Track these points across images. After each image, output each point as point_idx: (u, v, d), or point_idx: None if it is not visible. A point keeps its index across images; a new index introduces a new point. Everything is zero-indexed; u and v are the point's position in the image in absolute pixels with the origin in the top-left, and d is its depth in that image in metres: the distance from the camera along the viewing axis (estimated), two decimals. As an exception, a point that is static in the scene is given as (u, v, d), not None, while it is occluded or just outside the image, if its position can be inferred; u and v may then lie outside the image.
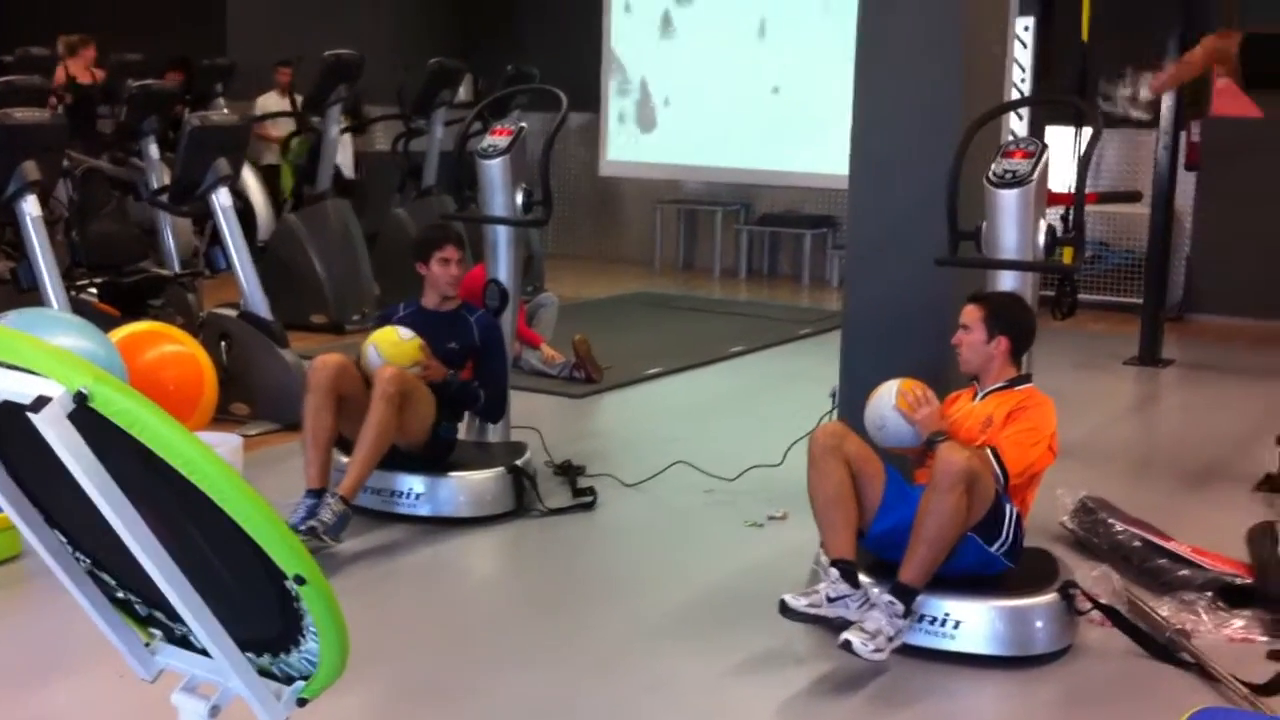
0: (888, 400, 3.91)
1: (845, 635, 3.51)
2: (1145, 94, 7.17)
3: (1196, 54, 5.98)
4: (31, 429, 2.34)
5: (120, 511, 2.32)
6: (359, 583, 4.22)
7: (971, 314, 3.96)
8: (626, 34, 12.04)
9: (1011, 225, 4.25)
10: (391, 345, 4.70)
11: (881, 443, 3.94)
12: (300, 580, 2.37)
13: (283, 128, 10.31)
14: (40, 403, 2.19)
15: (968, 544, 3.67)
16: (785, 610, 3.64)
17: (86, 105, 8.96)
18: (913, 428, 3.85)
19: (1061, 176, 5.93)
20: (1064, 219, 5.41)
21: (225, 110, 9.72)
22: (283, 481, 4.70)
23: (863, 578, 3.68)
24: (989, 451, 3.73)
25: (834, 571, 3.66)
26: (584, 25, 11.93)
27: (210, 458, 2.27)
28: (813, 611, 3.63)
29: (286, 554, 2.35)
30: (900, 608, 3.57)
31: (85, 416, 2.23)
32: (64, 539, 2.74)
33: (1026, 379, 4.00)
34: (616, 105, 12.11)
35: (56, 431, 2.21)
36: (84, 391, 2.22)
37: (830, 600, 3.62)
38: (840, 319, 5.23)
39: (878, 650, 3.51)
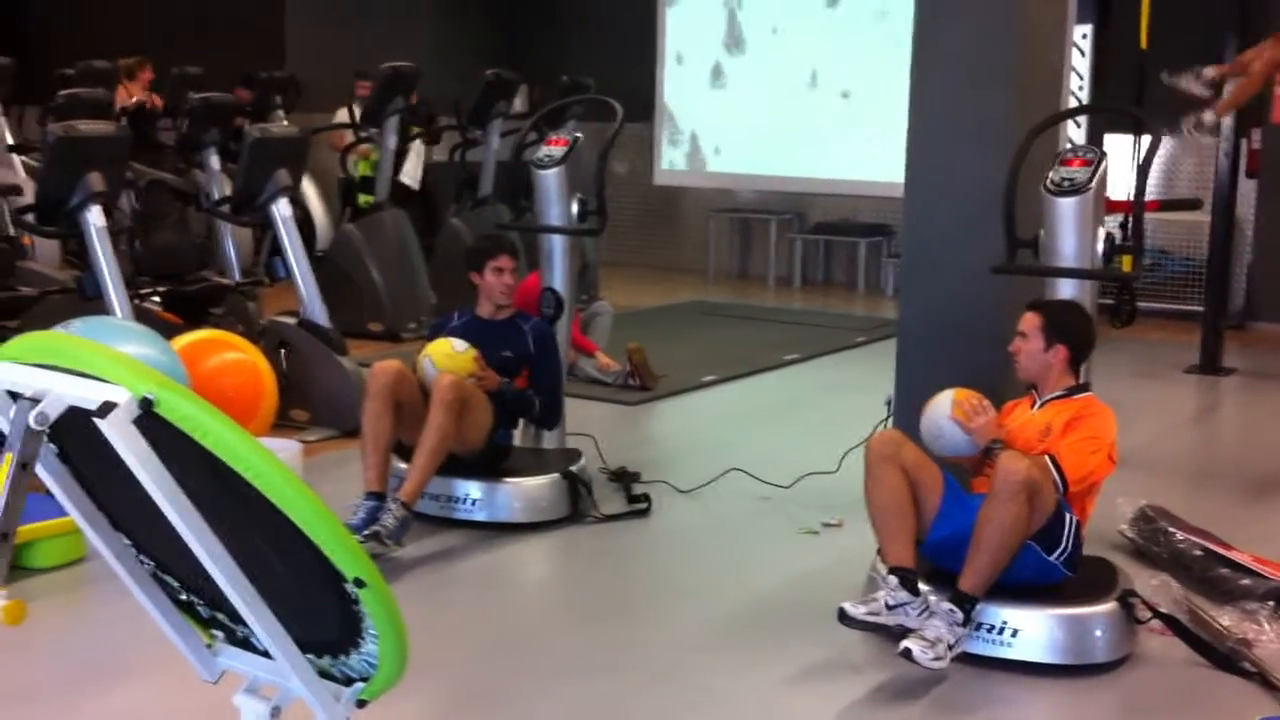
0: (943, 410, 3.89)
1: (905, 643, 3.50)
2: (1210, 72, 7.13)
3: (1255, 66, 5.93)
4: (97, 434, 2.38)
5: (184, 515, 2.36)
6: (416, 587, 4.25)
7: (1030, 322, 3.94)
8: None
9: (1070, 233, 4.22)
10: (446, 357, 4.73)
11: (938, 452, 3.93)
12: (360, 583, 2.40)
13: (347, 137, 10.35)
14: (107, 408, 2.24)
15: (1027, 552, 3.65)
16: (844, 618, 3.63)
17: (147, 120, 9.10)
18: (969, 437, 3.83)
19: (1121, 184, 5.90)
20: (1123, 226, 5.38)
21: (285, 122, 9.85)
22: (341, 487, 4.75)
23: (921, 585, 3.67)
24: (1047, 459, 3.71)
25: (893, 579, 3.65)
26: (636, 34, 11.98)
27: (273, 463, 2.30)
28: (872, 620, 3.62)
29: (346, 557, 2.38)
30: (960, 616, 3.55)
31: (150, 422, 2.27)
32: (129, 542, 2.79)
33: (1085, 388, 3.97)
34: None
35: (122, 436, 2.25)
36: (149, 397, 2.26)
37: (889, 608, 3.61)
38: (895, 327, 5.22)
39: (938, 659, 3.49)
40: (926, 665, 3.49)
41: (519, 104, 10.41)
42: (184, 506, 2.36)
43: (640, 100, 11.35)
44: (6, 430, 2.57)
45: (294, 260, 6.17)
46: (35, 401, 2.34)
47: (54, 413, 2.33)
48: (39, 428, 2.34)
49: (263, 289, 7.66)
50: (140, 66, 9.81)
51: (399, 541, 4.38)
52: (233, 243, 7.99)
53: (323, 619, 2.57)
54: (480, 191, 9.44)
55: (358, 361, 6.24)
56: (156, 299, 6.26)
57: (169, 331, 5.58)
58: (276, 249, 6.44)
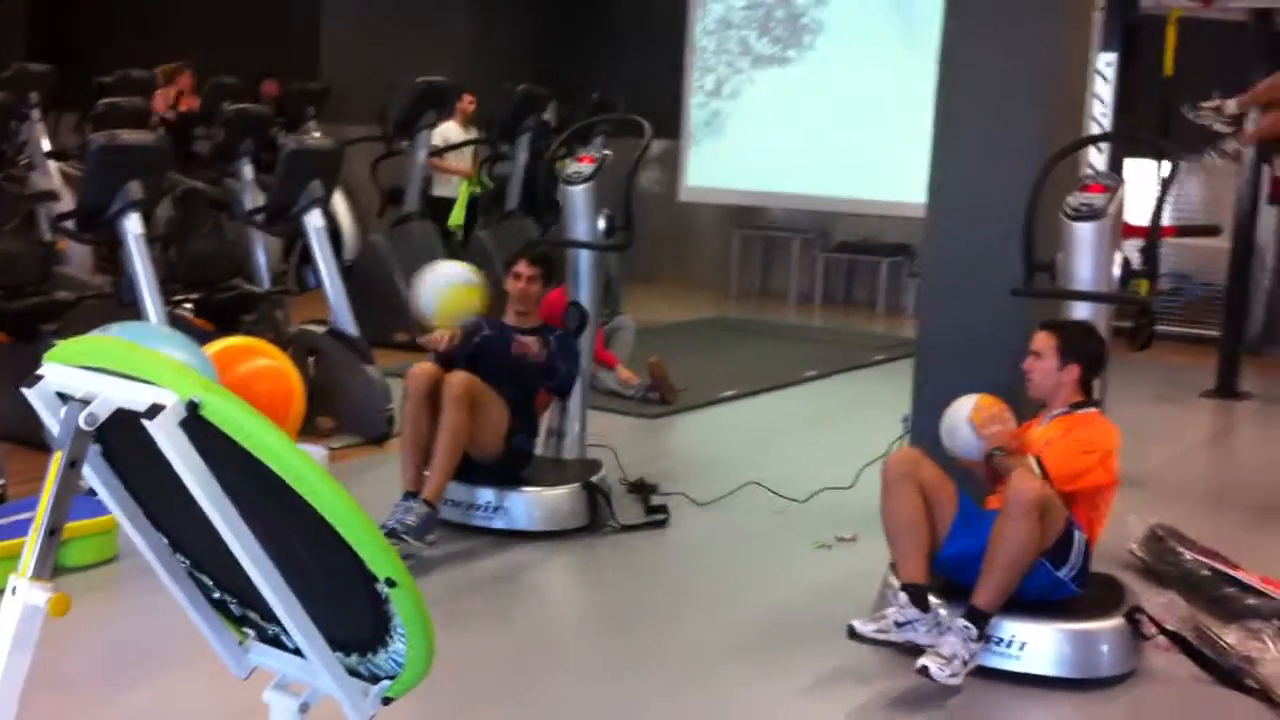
0: (964, 412, 3.97)
1: (922, 661, 3.58)
2: (1231, 106, 7.20)
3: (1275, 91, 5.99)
4: (138, 436, 2.48)
5: (225, 515, 2.46)
6: (437, 592, 4.31)
7: (1045, 341, 4.02)
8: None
9: (1087, 258, 4.31)
10: (451, 298, 4.93)
11: (949, 449, 4.00)
12: (391, 583, 2.50)
13: (465, 159, 10.28)
14: (155, 410, 2.34)
15: (1038, 568, 3.72)
16: (854, 635, 3.71)
17: (183, 129, 9.24)
18: (980, 442, 3.90)
19: (1142, 209, 5.98)
20: (1142, 251, 5.45)
21: (317, 134, 9.98)
22: (367, 492, 4.82)
23: (933, 600, 3.75)
24: (1032, 460, 3.78)
25: (903, 596, 3.73)
26: (664, 52, 12.12)
27: (311, 465, 2.40)
28: (880, 637, 3.70)
29: (379, 557, 2.47)
30: (974, 632, 3.64)
31: (195, 424, 2.38)
32: (165, 541, 2.90)
33: (1094, 404, 4.04)
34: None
35: (169, 438, 2.35)
36: (195, 401, 2.37)
37: (898, 625, 3.69)
38: (914, 346, 5.30)
39: (954, 675, 3.58)
40: (943, 682, 3.56)
41: (548, 119, 10.53)
42: (225, 506, 2.46)
43: (667, 117, 11.46)
44: (55, 430, 2.69)
45: (325, 270, 6.30)
46: (85, 403, 2.46)
47: (103, 414, 2.43)
48: (88, 428, 2.45)
49: (291, 297, 7.80)
50: (179, 72, 9.95)
51: (422, 539, 4.48)
52: (264, 252, 8.11)
53: (353, 618, 2.66)
54: (507, 204, 9.56)
55: (385, 371, 6.35)
56: (189, 306, 6.37)
57: (202, 338, 5.69)
58: (306, 258, 6.56)
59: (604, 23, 12.73)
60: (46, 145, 9.34)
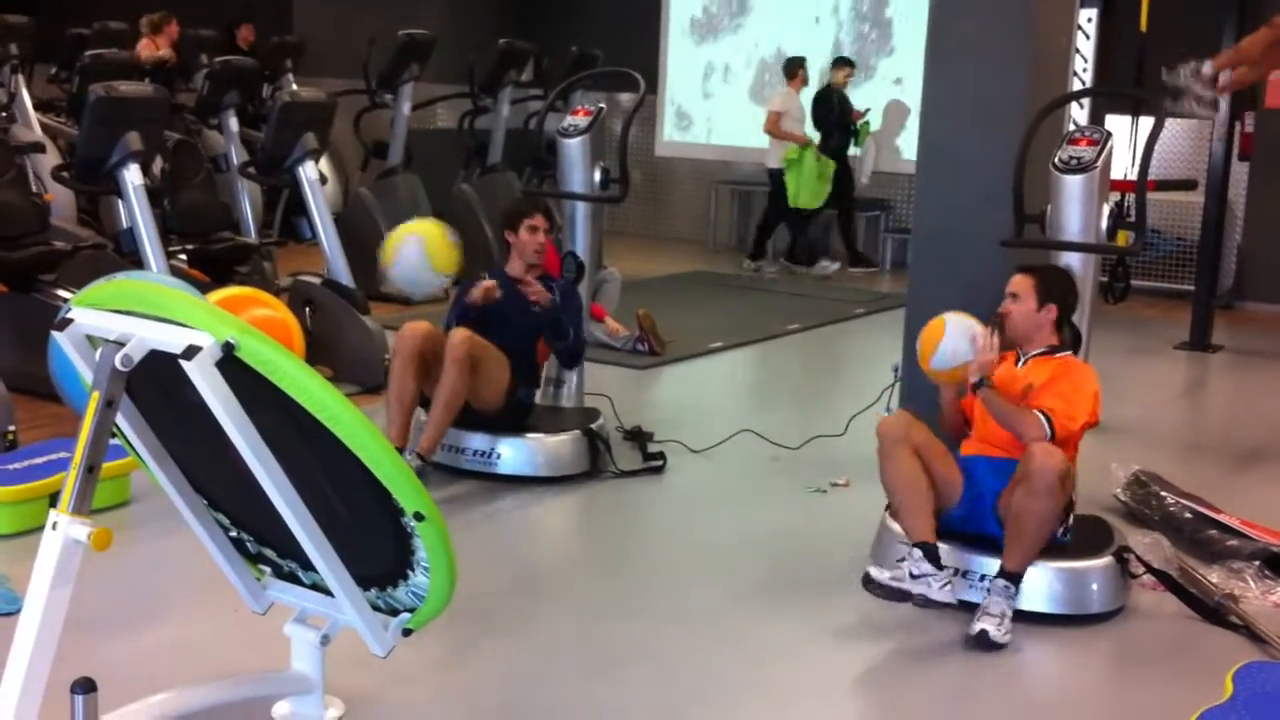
0: (966, 328, 4.03)
1: (979, 626, 3.66)
2: (1208, 69, 7.30)
3: (1254, 50, 6.10)
4: (162, 380, 2.56)
5: (259, 453, 2.54)
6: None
7: (1023, 284, 4.09)
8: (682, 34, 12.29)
9: (1076, 209, 4.42)
10: (440, 248, 4.93)
11: (931, 367, 4.08)
12: (419, 517, 2.61)
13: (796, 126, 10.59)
14: (192, 351, 2.43)
15: None
16: (869, 583, 3.78)
17: (166, 79, 9.21)
18: (964, 359, 3.99)
19: (1118, 164, 6.10)
20: (1118, 204, 5.59)
21: (295, 87, 9.97)
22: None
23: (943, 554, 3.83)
24: (1040, 416, 3.84)
25: (917, 552, 3.79)
26: (641, 6, 12.13)
27: (345, 404, 2.50)
28: (895, 584, 3.76)
29: (409, 492, 2.58)
30: (1013, 590, 3.75)
31: (229, 365, 2.47)
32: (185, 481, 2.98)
33: (1065, 347, 4.13)
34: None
35: (205, 378, 2.44)
36: (231, 342, 2.46)
37: (913, 576, 3.75)
38: (893, 300, 5.42)
39: (1008, 633, 3.69)
40: (1001, 641, 3.65)
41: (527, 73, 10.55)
42: (257, 445, 2.54)
43: (643, 71, 11.48)
44: (83, 373, 2.76)
45: (319, 221, 6.35)
46: (119, 345, 2.53)
47: (138, 355, 2.51)
48: (124, 369, 2.52)
49: (278, 249, 7.84)
50: (165, 21, 9.92)
51: None
52: (248, 204, 8.14)
53: (375, 555, 2.76)
54: (490, 159, 9.60)
55: (380, 321, 6.42)
56: (183, 257, 6.41)
57: (199, 288, 5.74)
58: (296, 209, 6.58)
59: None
60: (28, 97, 9.30)
